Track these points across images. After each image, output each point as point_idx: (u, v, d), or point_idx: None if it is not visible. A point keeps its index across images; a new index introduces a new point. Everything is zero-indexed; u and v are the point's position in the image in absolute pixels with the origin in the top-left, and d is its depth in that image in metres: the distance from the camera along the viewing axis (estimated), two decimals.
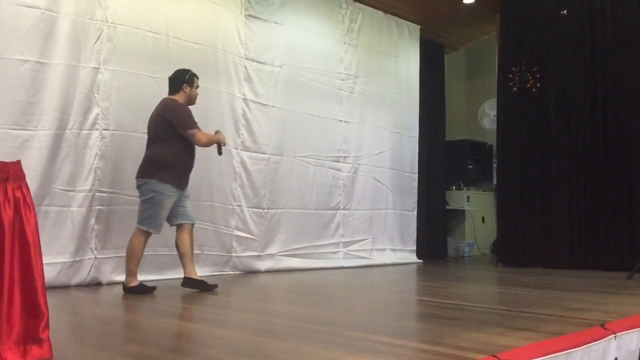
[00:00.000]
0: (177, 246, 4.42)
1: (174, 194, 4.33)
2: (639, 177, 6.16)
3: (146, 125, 5.08)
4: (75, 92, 4.69)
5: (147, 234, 4.33)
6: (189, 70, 4.55)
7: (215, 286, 4.42)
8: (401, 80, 7.75)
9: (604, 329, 2.57)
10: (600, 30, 6.57)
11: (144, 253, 5.03)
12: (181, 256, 4.41)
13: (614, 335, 2.51)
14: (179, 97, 4.46)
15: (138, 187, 4.37)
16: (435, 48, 8.62)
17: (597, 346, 2.39)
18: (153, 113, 4.47)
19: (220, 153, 4.57)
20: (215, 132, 4.54)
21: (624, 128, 6.30)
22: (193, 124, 4.33)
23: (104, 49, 4.86)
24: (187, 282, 4.40)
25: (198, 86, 4.57)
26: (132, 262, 4.29)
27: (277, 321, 3.34)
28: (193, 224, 4.50)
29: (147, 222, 4.28)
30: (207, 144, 4.46)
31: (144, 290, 4.28)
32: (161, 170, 4.27)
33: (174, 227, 4.46)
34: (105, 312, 3.71)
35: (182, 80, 4.48)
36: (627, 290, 4.41)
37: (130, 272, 4.29)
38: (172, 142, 4.32)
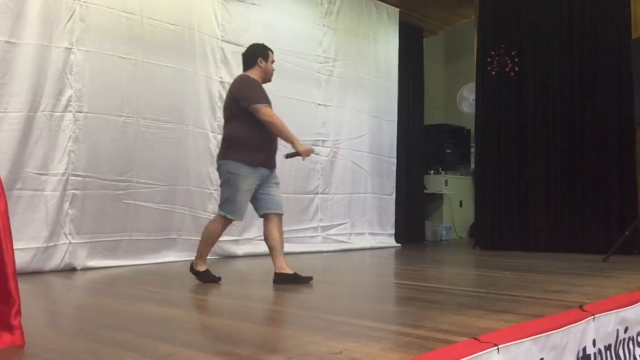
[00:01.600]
0: (265, 238, 4.02)
1: (251, 174, 3.89)
2: (615, 161, 6.22)
3: (121, 107, 5.01)
4: (47, 73, 4.57)
5: (227, 220, 3.96)
6: (263, 44, 4.18)
7: (311, 278, 3.96)
8: (380, 63, 7.71)
9: (582, 311, 2.58)
10: (578, 14, 6.59)
11: (121, 237, 4.99)
12: (269, 249, 3.99)
13: (592, 317, 2.52)
14: (253, 73, 4.06)
15: (217, 169, 4.05)
16: (414, 32, 8.58)
17: (576, 328, 2.39)
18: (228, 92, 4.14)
19: (287, 156, 4.12)
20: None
21: (600, 112, 6.34)
22: (261, 99, 3.92)
23: (76, 28, 4.73)
24: (280, 277, 3.91)
25: (274, 60, 4.18)
26: (205, 245, 4.01)
27: (256, 305, 3.31)
28: (280, 214, 4.08)
29: (225, 206, 3.93)
30: (277, 127, 3.92)
31: (207, 279, 3.98)
32: (233, 149, 3.91)
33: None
34: (79, 298, 3.65)
35: (256, 54, 4.09)
36: (604, 273, 4.46)
37: (200, 255, 4.01)
38: (242, 119, 3.92)
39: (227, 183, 3.91)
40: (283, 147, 4.19)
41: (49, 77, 4.57)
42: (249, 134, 3.91)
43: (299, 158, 4.16)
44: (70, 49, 4.70)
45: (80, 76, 4.75)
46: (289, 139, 3.99)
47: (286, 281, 3.88)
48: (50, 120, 4.58)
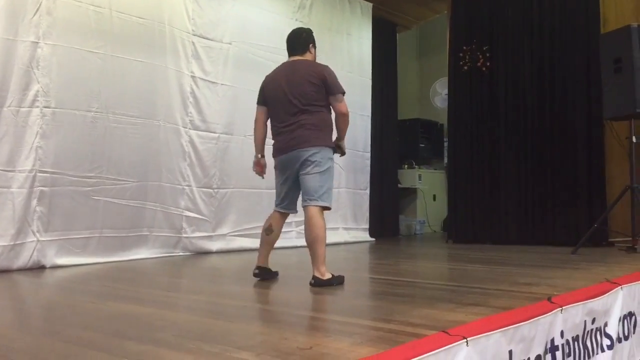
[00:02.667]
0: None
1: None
2: (584, 155, 6.32)
3: (90, 102, 4.91)
4: (13, 68, 4.46)
5: (324, 211, 3.69)
6: (310, 29, 4.05)
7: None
8: (353, 58, 7.70)
9: (550, 303, 2.61)
10: (548, 10, 6.67)
11: (91, 234, 4.92)
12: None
13: (561, 308, 2.55)
14: (308, 58, 3.90)
15: (307, 158, 3.69)
16: (387, 27, 8.60)
17: (544, 319, 2.42)
18: (289, 76, 3.79)
19: (341, 153, 3.98)
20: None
21: (569, 106, 6.44)
22: (343, 89, 3.80)
23: (43, 22, 4.63)
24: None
25: (317, 47, 4.04)
26: (323, 246, 3.63)
27: (228, 302, 3.28)
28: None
29: (327, 196, 3.69)
30: (347, 120, 3.84)
31: (340, 281, 3.70)
32: (327, 135, 3.75)
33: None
34: (47, 297, 3.58)
35: (308, 40, 3.93)
36: (573, 265, 4.53)
37: (323, 260, 3.62)
38: (327, 106, 3.78)
39: (328, 171, 3.72)
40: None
41: (14, 71, 4.46)
42: (332, 121, 3.81)
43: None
44: (37, 42, 4.60)
45: (48, 71, 4.65)
46: (344, 135, 3.91)
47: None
48: (16, 115, 4.48)
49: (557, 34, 6.59)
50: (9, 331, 2.44)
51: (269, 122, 3.97)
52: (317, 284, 3.57)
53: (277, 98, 3.84)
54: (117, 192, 5.11)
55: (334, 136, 3.89)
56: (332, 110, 3.83)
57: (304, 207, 3.70)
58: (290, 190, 3.88)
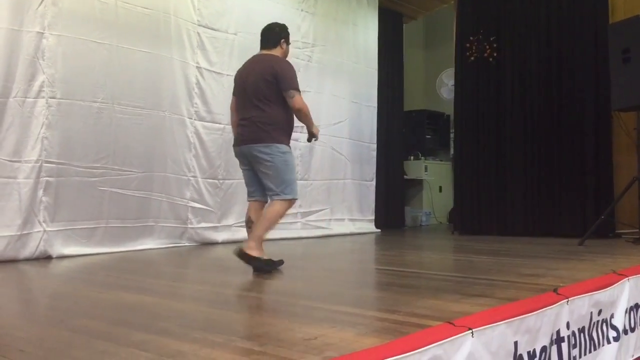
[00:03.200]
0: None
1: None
2: (591, 146, 6.28)
3: (95, 93, 4.91)
4: (19, 58, 4.46)
5: (291, 203, 3.86)
6: (284, 25, 4.12)
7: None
8: (359, 49, 7.67)
9: (556, 294, 2.60)
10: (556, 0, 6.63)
11: (97, 225, 4.94)
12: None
13: (567, 300, 2.54)
14: (276, 53, 3.98)
15: (260, 152, 3.80)
16: (393, 17, 8.55)
17: (550, 311, 2.41)
18: (250, 71, 3.91)
19: (309, 140, 4.16)
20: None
21: (577, 97, 6.40)
22: (297, 85, 3.85)
23: (48, 12, 4.62)
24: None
25: (290, 43, 4.15)
26: (268, 230, 3.85)
27: (233, 292, 3.29)
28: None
29: (290, 188, 3.82)
30: (304, 114, 3.86)
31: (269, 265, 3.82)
32: (281, 132, 3.83)
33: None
34: (54, 287, 3.60)
35: (280, 35, 4.03)
36: (579, 256, 4.51)
37: (260, 240, 3.81)
38: (281, 101, 3.81)
39: (283, 165, 3.79)
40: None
41: (20, 62, 4.46)
42: (288, 116, 3.88)
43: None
44: (42, 33, 4.59)
45: (53, 61, 4.65)
46: (311, 125, 3.97)
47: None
48: (22, 106, 4.48)
49: (565, 24, 6.54)
50: (15, 320, 2.45)
51: None
52: (239, 255, 3.74)
53: (239, 91, 3.98)
54: (123, 183, 5.12)
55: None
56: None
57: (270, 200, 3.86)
58: (252, 179, 3.97)
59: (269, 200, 3.88)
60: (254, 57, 4.05)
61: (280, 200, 3.77)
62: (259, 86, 3.82)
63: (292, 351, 1.85)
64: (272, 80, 3.79)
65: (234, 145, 4.02)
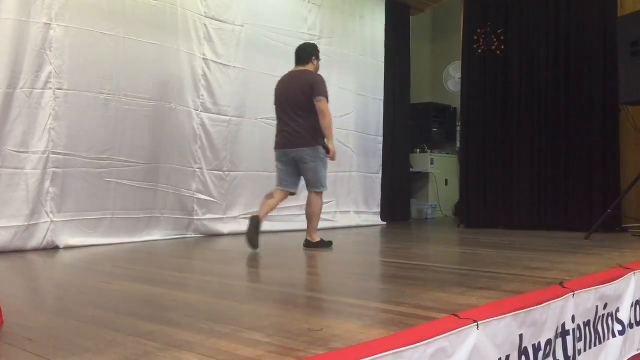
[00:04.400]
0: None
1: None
2: (598, 140, 6.25)
3: (102, 84, 4.93)
4: (26, 49, 4.47)
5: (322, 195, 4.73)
6: (315, 44, 5.03)
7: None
8: (366, 41, 7.65)
9: (562, 288, 2.59)
10: None
11: (103, 216, 4.96)
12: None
13: (573, 293, 2.54)
14: (309, 68, 4.79)
15: (304, 155, 4.62)
16: (401, 9, 8.51)
17: (556, 304, 2.41)
18: (289, 85, 4.71)
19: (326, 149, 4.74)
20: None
21: (585, 91, 6.36)
22: (327, 94, 4.65)
23: (55, 4, 4.63)
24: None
25: (320, 59, 4.94)
26: (318, 219, 4.80)
27: (239, 284, 3.30)
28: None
29: (323, 183, 4.72)
30: (326, 119, 4.62)
31: (326, 245, 4.79)
32: (318, 136, 4.64)
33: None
34: (61, 277, 3.62)
35: (312, 53, 4.84)
36: (585, 250, 4.50)
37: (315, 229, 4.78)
38: (314, 110, 4.60)
39: (319, 164, 4.66)
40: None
41: (27, 53, 4.47)
42: (319, 124, 4.64)
43: None
44: (50, 24, 4.60)
45: (60, 52, 4.66)
46: (330, 137, 4.72)
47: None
48: (29, 97, 4.50)
49: (573, 17, 6.49)
50: (23, 310, 2.47)
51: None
52: (307, 245, 4.75)
53: (280, 102, 4.77)
54: (129, 174, 5.14)
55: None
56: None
57: (308, 191, 4.75)
58: (288, 176, 4.75)
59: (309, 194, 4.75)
60: (291, 72, 4.83)
61: (317, 192, 4.69)
62: (298, 99, 4.61)
63: (298, 342, 1.86)
64: (309, 91, 4.58)
65: (275, 149, 4.78)
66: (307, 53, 4.84)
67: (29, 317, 2.35)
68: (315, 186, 4.68)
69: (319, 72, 4.82)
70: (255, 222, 4.50)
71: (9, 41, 4.36)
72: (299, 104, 4.61)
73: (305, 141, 4.60)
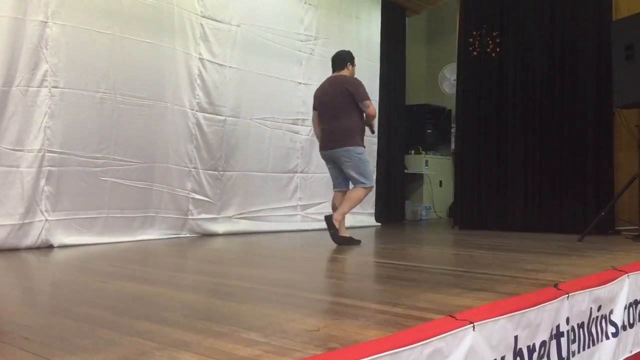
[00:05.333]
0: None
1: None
2: (592, 143, 6.29)
3: (98, 83, 4.92)
4: (22, 47, 4.46)
5: (370, 189, 5.06)
6: (350, 52, 5.26)
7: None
8: (362, 42, 7.66)
9: (557, 289, 2.61)
10: None
11: (98, 215, 4.95)
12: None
13: (567, 295, 2.55)
14: (345, 73, 5.12)
15: (345, 153, 4.94)
16: (396, 11, 8.53)
17: (551, 306, 2.42)
18: (328, 90, 5.06)
19: (372, 132, 5.38)
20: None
21: (579, 93, 6.40)
22: (368, 95, 5.01)
23: (52, 2, 4.61)
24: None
25: (355, 65, 5.24)
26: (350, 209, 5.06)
27: (234, 283, 3.30)
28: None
29: (368, 178, 5.01)
30: (374, 118, 5.21)
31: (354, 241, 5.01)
32: (358, 136, 4.98)
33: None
34: (56, 275, 3.61)
35: (346, 59, 5.15)
36: (579, 252, 4.53)
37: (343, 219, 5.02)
38: (357, 110, 4.98)
39: (360, 161, 4.94)
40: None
41: (23, 51, 4.46)
42: (361, 123, 5.05)
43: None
44: (46, 22, 4.59)
45: (56, 50, 4.65)
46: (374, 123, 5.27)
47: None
48: (25, 95, 4.48)
49: (568, 20, 6.53)
50: (18, 309, 2.47)
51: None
52: (327, 219, 4.99)
53: (321, 106, 5.13)
54: (124, 173, 5.13)
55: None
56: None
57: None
58: (336, 176, 5.18)
59: (350, 186, 5.09)
60: (330, 78, 5.18)
61: (361, 187, 4.97)
62: (337, 102, 4.95)
63: (296, 342, 1.87)
64: (347, 95, 4.92)
65: (320, 150, 5.19)
66: (341, 59, 5.17)
67: (25, 315, 2.35)
68: (359, 181, 4.95)
69: (355, 76, 5.17)
70: (328, 220, 4.93)
71: (4, 39, 4.35)
72: (336, 107, 4.96)
73: (342, 142, 4.92)
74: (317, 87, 5.30)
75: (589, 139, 6.30)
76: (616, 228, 6.04)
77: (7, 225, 4.35)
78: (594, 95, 6.29)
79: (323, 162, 7.17)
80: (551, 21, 6.66)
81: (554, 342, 2.43)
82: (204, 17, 5.78)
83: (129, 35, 5.12)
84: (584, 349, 2.67)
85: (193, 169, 5.71)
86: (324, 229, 6.78)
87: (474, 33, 7.18)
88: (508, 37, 6.97)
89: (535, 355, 2.27)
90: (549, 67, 6.63)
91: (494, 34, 7.03)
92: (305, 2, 6.86)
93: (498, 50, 7.01)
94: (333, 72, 5.20)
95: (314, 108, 5.25)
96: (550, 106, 6.60)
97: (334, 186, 5.24)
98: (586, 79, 6.35)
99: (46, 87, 4.60)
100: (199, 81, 5.75)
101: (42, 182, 4.59)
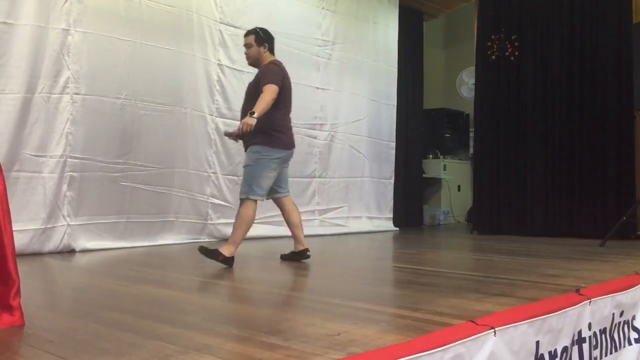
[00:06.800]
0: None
1: None
2: (613, 146, 6.22)
3: (119, 89, 4.97)
4: (45, 55, 4.53)
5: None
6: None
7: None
8: (379, 47, 7.66)
9: (578, 295, 2.59)
10: None
11: (118, 219, 5.00)
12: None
13: (589, 300, 2.53)
14: None
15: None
16: (414, 15, 8.52)
17: (573, 311, 2.41)
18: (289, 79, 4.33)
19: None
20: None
21: (599, 97, 6.33)
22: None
23: (73, 9, 4.69)
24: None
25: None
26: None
27: (254, 288, 3.32)
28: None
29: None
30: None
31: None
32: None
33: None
34: (78, 280, 3.66)
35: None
36: (601, 257, 4.48)
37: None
38: None
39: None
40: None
41: (46, 58, 4.54)
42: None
43: None
44: (68, 30, 4.66)
45: (78, 58, 4.72)
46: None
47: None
48: (47, 102, 4.55)
49: (588, 23, 6.47)
50: (42, 312, 2.50)
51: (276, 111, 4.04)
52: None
53: (289, 99, 4.21)
54: (145, 178, 5.18)
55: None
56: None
57: (284, 197, 4.42)
58: (279, 178, 4.33)
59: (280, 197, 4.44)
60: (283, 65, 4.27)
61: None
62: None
63: (316, 346, 1.87)
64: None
65: (289, 148, 4.23)
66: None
67: (49, 319, 2.38)
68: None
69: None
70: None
71: (27, 47, 4.42)
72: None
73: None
74: (282, 69, 4.28)
75: (609, 142, 6.23)
76: (638, 233, 5.96)
77: (30, 230, 4.41)
78: (614, 99, 6.22)
79: (341, 167, 7.24)
80: (570, 24, 6.60)
81: (575, 347, 2.42)
82: (223, 23, 5.82)
83: (149, 42, 5.18)
84: (606, 355, 2.65)
85: (212, 174, 5.75)
86: (343, 234, 6.83)
87: (492, 37, 7.15)
88: (526, 41, 6.93)
89: None
90: (568, 70, 6.57)
91: (512, 37, 6.99)
92: (322, 8, 6.88)
93: (517, 53, 6.97)
94: (274, 54, 4.41)
95: (286, 100, 4.20)
96: (570, 109, 6.54)
97: (275, 192, 4.38)
98: (606, 81, 6.28)
99: (68, 93, 4.67)
100: (217, 87, 5.79)
101: (64, 187, 4.65)
